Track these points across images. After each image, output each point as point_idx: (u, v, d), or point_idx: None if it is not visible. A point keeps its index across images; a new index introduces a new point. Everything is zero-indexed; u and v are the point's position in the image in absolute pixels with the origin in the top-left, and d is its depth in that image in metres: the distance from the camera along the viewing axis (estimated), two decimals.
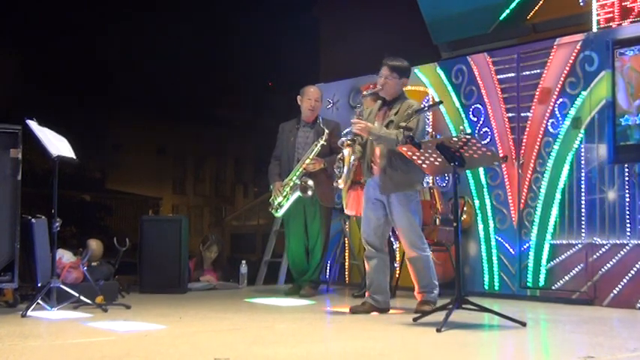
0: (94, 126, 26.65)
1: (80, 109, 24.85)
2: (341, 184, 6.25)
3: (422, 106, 6.08)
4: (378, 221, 6.08)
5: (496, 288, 7.41)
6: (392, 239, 7.72)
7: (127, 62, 26.67)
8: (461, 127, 7.53)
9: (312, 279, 7.66)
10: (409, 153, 5.68)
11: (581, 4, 7.69)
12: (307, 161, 7.17)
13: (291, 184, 7.12)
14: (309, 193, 6.50)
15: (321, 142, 7.22)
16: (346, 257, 8.73)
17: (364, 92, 6.42)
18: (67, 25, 24.72)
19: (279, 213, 7.34)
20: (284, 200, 7.19)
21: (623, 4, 7.19)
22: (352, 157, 6.16)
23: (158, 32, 26.20)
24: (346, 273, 8.75)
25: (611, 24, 7.18)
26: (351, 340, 4.88)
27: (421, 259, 6.03)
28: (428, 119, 8.07)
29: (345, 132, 6.79)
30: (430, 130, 7.98)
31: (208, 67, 29.02)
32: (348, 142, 6.12)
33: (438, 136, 7.56)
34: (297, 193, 6.74)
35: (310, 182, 6.48)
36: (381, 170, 6.00)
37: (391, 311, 6.11)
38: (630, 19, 7.10)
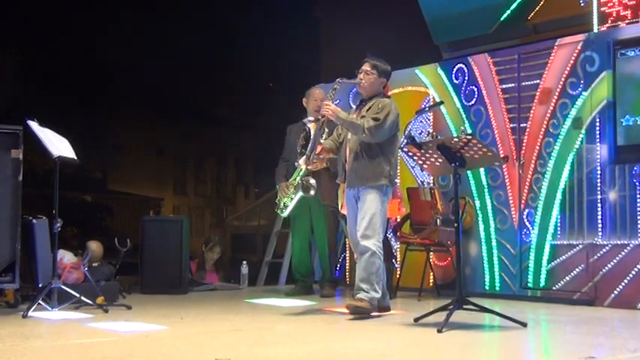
0: (95, 126, 26.67)
1: (81, 109, 24.86)
2: (302, 164, 6.13)
3: (390, 102, 5.99)
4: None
5: (497, 288, 7.42)
6: (392, 239, 7.74)
7: (128, 62, 26.68)
8: (462, 128, 7.52)
9: (330, 279, 7.71)
10: (410, 153, 5.70)
11: (582, 4, 7.69)
12: None
13: (295, 183, 7.13)
14: (312, 192, 6.46)
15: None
16: (347, 257, 8.73)
17: (339, 80, 6.18)
18: (67, 25, 24.73)
19: (285, 213, 7.35)
20: (288, 200, 7.20)
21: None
22: (319, 137, 6.10)
23: (158, 32, 26.21)
24: (347, 273, 8.75)
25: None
26: (351, 341, 4.89)
27: (368, 251, 5.81)
28: (429, 119, 8.09)
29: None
30: (431, 130, 7.99)
31: (209, 67, 29.03)
32: (312, 120, 6.10)
33: (439, 137, 7.56)
34: (300, 193, 6.72)
35: (312, 181, 6.46)
36: (348, 167, 6.02)
37: (392, 312, 6.11)
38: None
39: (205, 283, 8.52)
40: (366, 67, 6.10)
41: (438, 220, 7.34)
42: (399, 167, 7.73)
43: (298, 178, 7.10)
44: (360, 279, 5.87)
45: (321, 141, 6.17)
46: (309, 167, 6.24)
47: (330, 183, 7.42)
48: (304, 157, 6.12)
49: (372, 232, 5.86)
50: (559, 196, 7.03)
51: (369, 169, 5.91)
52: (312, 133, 6.15)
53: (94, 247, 7.40)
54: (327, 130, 6.40)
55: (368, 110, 6.00)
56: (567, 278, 6.93)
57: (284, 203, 7.22)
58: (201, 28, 28.24)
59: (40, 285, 6.51)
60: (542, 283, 7.10)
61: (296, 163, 6.29)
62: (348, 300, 5.89)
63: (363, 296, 5.81)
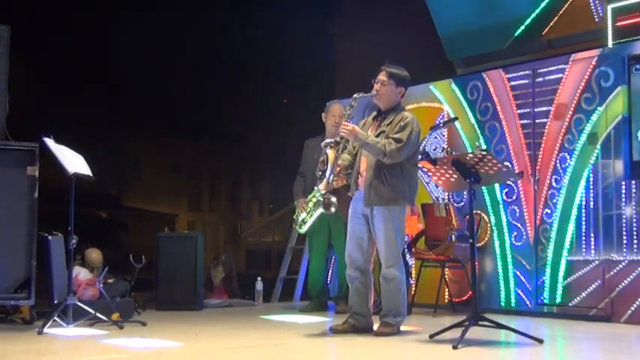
0: (110, 142, 26.76)
1: (96, 124, 24.95)
2: (322, 189, 5.95)
3: (412, 118, 5.79)
4: (362, 238, 5.90)
5: (512, 305, 7.38)
6: (407, 255, 7.72)
7: (144, 77, 26.79)
8: (476, 144, 7.53)
9: (345, 295, 7.68)
10: (424, 169, 5.69)
11: (597, 20, 7.68)
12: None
13: (315, 200, 7.07)
14: (332, 209, 6.34)
15: None
16: None
17: (355, 95, 5.97)
18: (82, 37, 24.84)
19: (303, 229, 7.32)
20: (307, 217, 7.16)
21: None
22: (338, 161, 5.90)
23: (174, 47, 26.32)
24: None
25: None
26: (366, 358, 4.88)
27: (393, 280, 5.77)
28: (443, 135, 8.08)
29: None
30: (445, 146, 7.99)
31: (225, 83, 29.11)
32: (331, 144, 5.90)
33: (454, 153, 7.55)
34: (320, 210, 6.64)
35: (333, 199, 6.38)
36: (366, 182, 5.81)
37: (407, 328, 6.08)
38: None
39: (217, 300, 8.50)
40: (382, 76, 5.87)
41: (453, 236, 7.33)
42: None
43: (318, 195, 7.03)
44: (386, 304, 5.84)
45: (339, 162, 5.95)
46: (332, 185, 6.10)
47: (349, 200, 7.38)
48: (324, 182, 5.93)
49: (394, 260, 5.77)
50: (575, 211, 7.00)
51: (390, 191, 5.72)
52: (330, 159, 5.92)
53: (94, 255, 7.44)
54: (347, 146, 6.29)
55: (388, 125, 5.79)
56: (583, 294, 6.89)
57: (302, 219, 7.18)
58: (216, 44, 28.34)
59: (55, 301, 6.54)
60: (558, 299, 7.07)
61: (316, 187, 6.22)
62: (377, 327, 5.85)
63: (390, 320, 5.79)
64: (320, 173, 6.09)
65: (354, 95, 5.99)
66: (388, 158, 5.67)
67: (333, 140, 5.96)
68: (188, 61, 27.83)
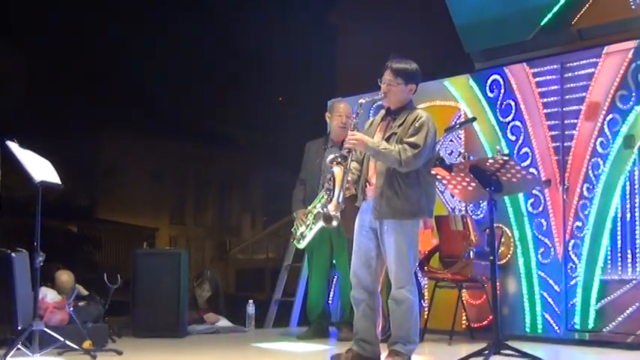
0: (83, 147, 26.78)
1: (67, 128, 24.98)
2: (332, 210, 5.81)
3: (427, 118, 5.69)
4: (370, 254, 5.82)
5: (539, 331, 7.38)
6: (419, 274, 7.71)
7: (121, 73, 26.83)
8: (497, 147, 7.53)
9: (349, 320, 7.66)
10: (439, 177, 5.67)
11: (633, 7, 7.69)
12: None
13: (315, 212, 7.03)
14: (334, 223, 6.26)
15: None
16: None
17: (361, 100, 5.93)
18: (56, 39, 24.92)
19: (302, 244, 7.29)
20: (307, 230, 7.14)
21: None
22: (347, 177, 5.75)
23: (157, 43, 26.38)
24: None
25: None
26: None
27: (404, 302, 5.71)
28: (460, 138, 8.08)
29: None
30: (462, 150, 7.99)
31: (212, 82, 29.15)
32: (338, 159, 5.79)
33: (472, 158, 7.55)
34: (321, 223, 6.60)
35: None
36: (376, 191, 5.74)
37: (420, 357, 6.06)
38: None
39: (203, 322, 8.49)
40: (388, 76, 5.79)
41: (471, 253, 7.33)
42: None
43: (319, 206, 7.02)
44: (396, 330, 5.78)
45: (348, 177, 5.81)
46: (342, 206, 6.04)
47: (355, 212, 7.38)
48: (334, 202, 5.80)
49: (405, 280, 5.72)
50: (609, 224, 6.99)
51: (404, 203, 5.66)
52: (337, 178, 5.79)
53: (65, 278, 7.43)
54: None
55: (400, 126, 5.74)
56: (619, 319, 6.88)
57: (301, 233, 7.16)
58: (203, 39, 28.41)
59: (19, 327, 6.51)
60: (591, 324, 7.06)
61: (325, 210, 6.17)
62: (386, 357, 5.82)
63: (400, 349, 5.73)
64: (328, 193, 6.01)
65: (360, 101, 5.93)
66: (405, 167, 5.59)
67: (339, 155, 5.87)
68: (172, 56, 27.88)
